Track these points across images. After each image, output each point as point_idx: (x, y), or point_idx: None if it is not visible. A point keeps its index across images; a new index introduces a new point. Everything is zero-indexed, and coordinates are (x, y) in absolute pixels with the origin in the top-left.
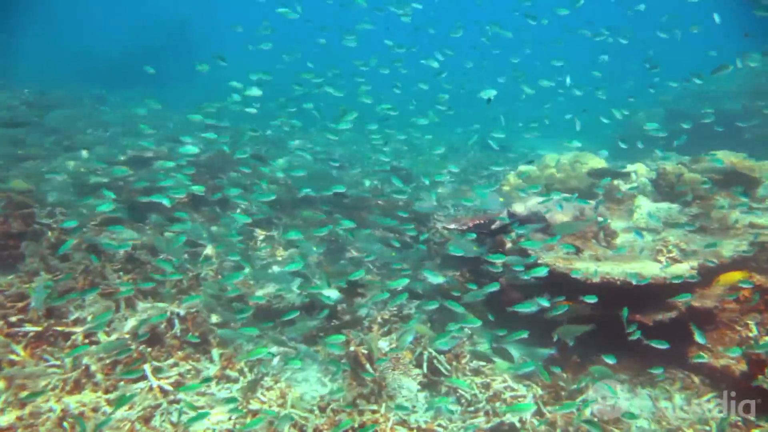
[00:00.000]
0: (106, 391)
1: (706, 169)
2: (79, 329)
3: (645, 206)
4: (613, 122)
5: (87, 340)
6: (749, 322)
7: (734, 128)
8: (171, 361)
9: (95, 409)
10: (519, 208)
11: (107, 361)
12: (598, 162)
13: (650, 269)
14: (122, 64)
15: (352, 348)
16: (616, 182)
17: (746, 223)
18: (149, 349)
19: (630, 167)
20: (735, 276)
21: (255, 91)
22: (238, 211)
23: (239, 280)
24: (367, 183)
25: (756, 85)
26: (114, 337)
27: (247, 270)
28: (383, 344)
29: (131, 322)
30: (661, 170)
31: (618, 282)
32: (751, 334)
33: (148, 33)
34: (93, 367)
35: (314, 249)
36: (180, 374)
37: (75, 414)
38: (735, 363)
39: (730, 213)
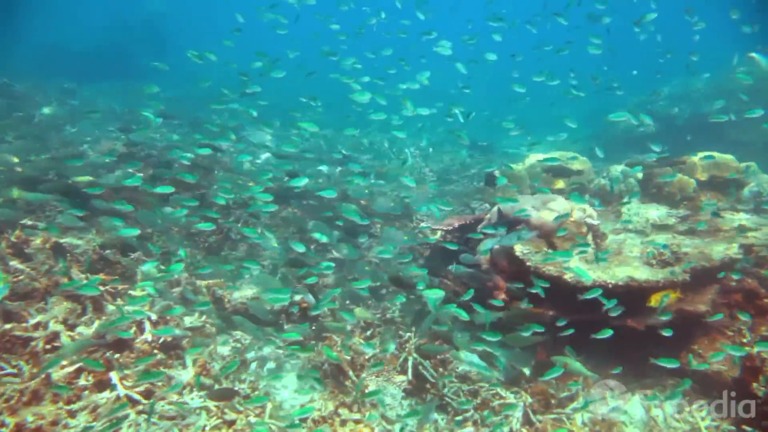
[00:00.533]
0: (68, 402)
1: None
2: (39, 334)
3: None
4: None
5: (48, 346)
6: (742, 327)
7: (716, 129)
8: (141, 367)
9: (55, 422)
10: (508, 209)
11: (70, 369)
12: (581, 163)
13: (642, 272)
14: (94, 58)
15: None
16: (603, 183)
17: (735, 225)
18: (117, 355)
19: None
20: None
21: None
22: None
23: (214, 282)
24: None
25: (730, 88)
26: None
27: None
28: (366, 349)
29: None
30: (649, 171)
31: (610, 285)
32: (744, 340)
33: (122, 26)
34: (54, 376)
35: (274, 245)
36: (151, 382)
37: (31, 428)
38: (727, 369)
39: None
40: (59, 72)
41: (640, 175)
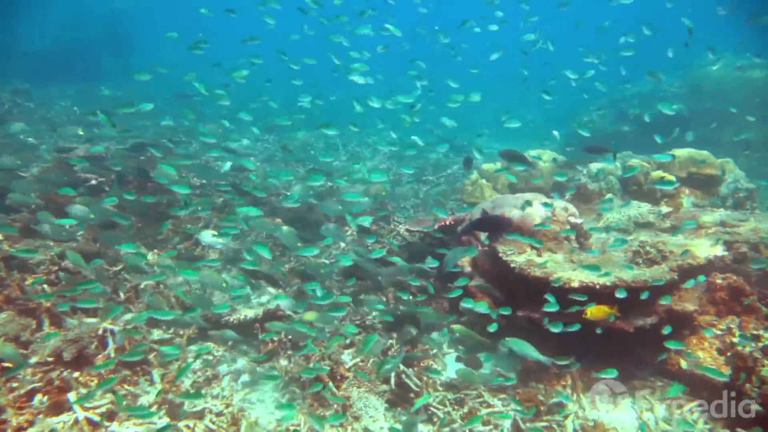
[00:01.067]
0: (18, 430)
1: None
2: None
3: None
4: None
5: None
6: (731, 325)
7: (682, 129)
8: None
9: None
10: (487, 208)
11: (21, 392)
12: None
13: (629, 271)
14: (50, 58)
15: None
16: (583, 180)
17: (717, 221)
18: (75, 374)
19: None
20: (604, 310)
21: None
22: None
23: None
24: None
25: (697, 86)
26: (33, 360)
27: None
28: (346, 358)
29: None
30: (629, 168)
31: (597, 286)
32: (735, 339)
33: (80, 24)
34: (1, 401)
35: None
36: (113, 402)
37: None
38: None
39: (699, 212)
40: (11, 73)
41: (620, 173)
